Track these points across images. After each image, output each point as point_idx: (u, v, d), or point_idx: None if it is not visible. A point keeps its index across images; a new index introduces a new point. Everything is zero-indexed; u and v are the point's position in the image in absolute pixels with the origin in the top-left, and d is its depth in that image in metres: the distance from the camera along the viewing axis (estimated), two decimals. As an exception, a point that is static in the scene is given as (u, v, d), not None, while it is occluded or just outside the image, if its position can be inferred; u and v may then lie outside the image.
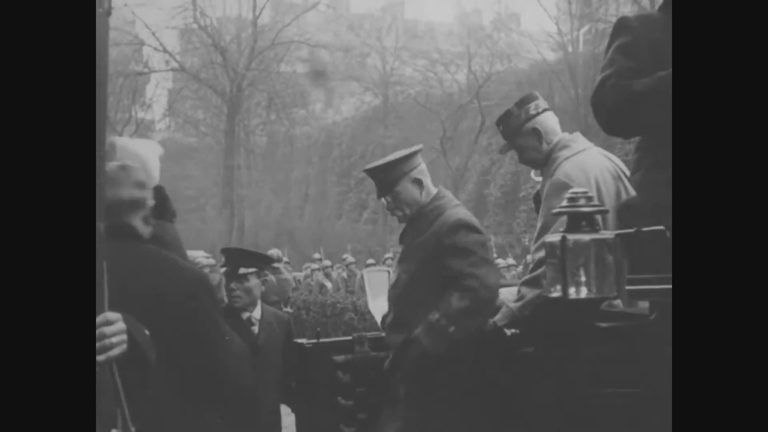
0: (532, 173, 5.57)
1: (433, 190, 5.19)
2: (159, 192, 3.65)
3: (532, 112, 5.29)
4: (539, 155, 5.22)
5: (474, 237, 4.97)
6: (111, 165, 3.69)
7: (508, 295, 5.47)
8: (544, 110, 5.31)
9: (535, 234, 4.98)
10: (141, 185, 3.61)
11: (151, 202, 3.58)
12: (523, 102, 5.37)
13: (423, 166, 5.21)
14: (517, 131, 5.28)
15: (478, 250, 4.92)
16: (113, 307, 2.68)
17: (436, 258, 4.91)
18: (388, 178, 5.11)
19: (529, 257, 5.17)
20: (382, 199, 5.24)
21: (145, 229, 3.55)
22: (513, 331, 4.38)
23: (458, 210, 5.13)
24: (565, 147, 5.18)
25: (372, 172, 5.21)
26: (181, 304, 3.36)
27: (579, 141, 5.29)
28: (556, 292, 3.21)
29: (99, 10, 2.48)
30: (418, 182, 5.11)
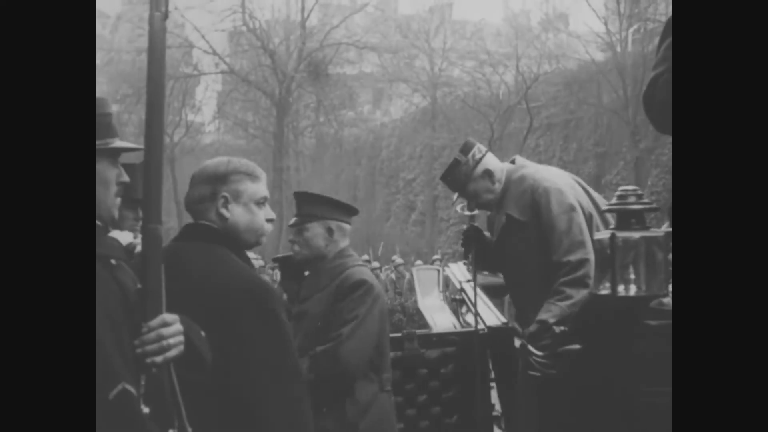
0: (459, 208, 5.62)
1: (341, 247, 4.95)
2: None
3: (478, 155, 5.40)
4: (493, 195, 5.36)
5: (365, 298, 4.74)
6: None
7: None
8: (486, 152, 5.41)
9: (556, 238, 5.04)
10: (211, 179, 3.67)
11: (223, 194, 3.63)
12: (466, 149, 5.46)
13: (347, 227, 4.99)
14: (468, 177, 5.36)
15: (361, 314, 4.69)
16: (175, 309, 2.69)
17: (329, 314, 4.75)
18: (309, 211, 4.92)
19: (555, 257, 5.08)
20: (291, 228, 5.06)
21: (220, 223, 3.61)
22: (561, 328, 4.37)
23: (362, 269, 4.94)
24: (522, 167, 5.42)
25: (300, 197, 5.04)
26: (228, 314, 3.33)
27: (527, 161, 5.54)
28: (604, 290, 3.21)
29: (156, 13, 2.50)
30: (330, 232, 4.88)
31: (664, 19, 36.95)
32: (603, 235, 3.22)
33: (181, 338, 2.66)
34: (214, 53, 43.70)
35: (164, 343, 2.58)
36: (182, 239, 3.64)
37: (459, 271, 7.09)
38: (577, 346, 4.13)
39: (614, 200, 3.26)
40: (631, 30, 40.13)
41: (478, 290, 6.61)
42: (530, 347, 4.84)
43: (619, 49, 39.50)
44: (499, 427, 6.39)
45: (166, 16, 2.53)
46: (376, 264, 23.65)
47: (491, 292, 6.54)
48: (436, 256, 27.11)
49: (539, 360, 4.67)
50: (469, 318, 6.49)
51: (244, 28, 43.84)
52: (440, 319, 6.77)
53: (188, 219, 3.83)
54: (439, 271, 7.52)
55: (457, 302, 6.91)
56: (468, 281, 6.72)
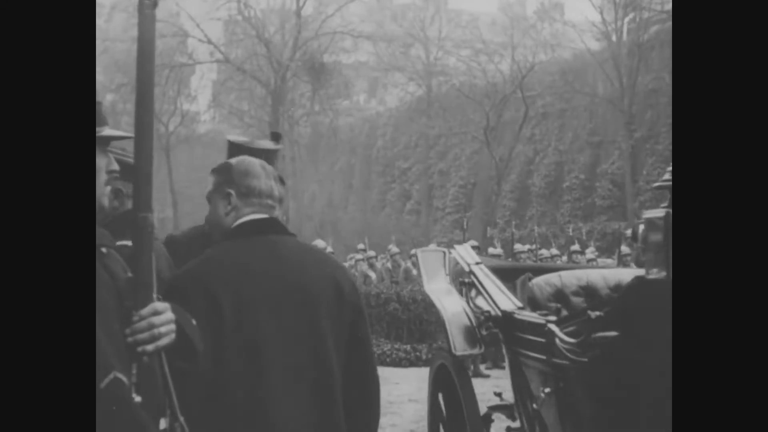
0: None
1: None
2: None
3: None
4: None
5: None
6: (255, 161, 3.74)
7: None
8: None
9: None
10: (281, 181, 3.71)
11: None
12: None
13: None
14: None
15: None
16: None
17: None
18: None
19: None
20: None
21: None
22: (597, 313, 4.14)
23: None
24: None
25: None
26: (352, 297, 3.58)
27: None
28: (655, 274, 3.03)
29: (145, 2, 2.49)
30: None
31: (659, 8, 36.98)
32: (655, 213, 3.03)
33: (172, 327, 2.65)
34: (209, 42, 43.65)
35: (155, 331, 2.57)
36: (281, 233, 3.63)
37: (466, 253, 6.84)
38: (613, 333, 3.97)
39: (667, 176, 3.01)
40: (626, 19, 40.16)
41: (490, 273, 6.38)
42: (559, 333, 4.64)
43: (614, 38, 39.55)
44: (511, 417, 6.23)
45: (155, 4, 2.51)
46: (371, 253, 23.61)
47: (502, 275, 6.34)
48: (432, 246, 27.07)
49: (569, 347, 4.49)
50: (480, 302, 6.22)
51: (239, 17, 43.83)
52: (449, 303, 6.50)
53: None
54: (444, 253, 7.25)
55: (466, 285, 6.62)
56: (477, 263, 6.52)
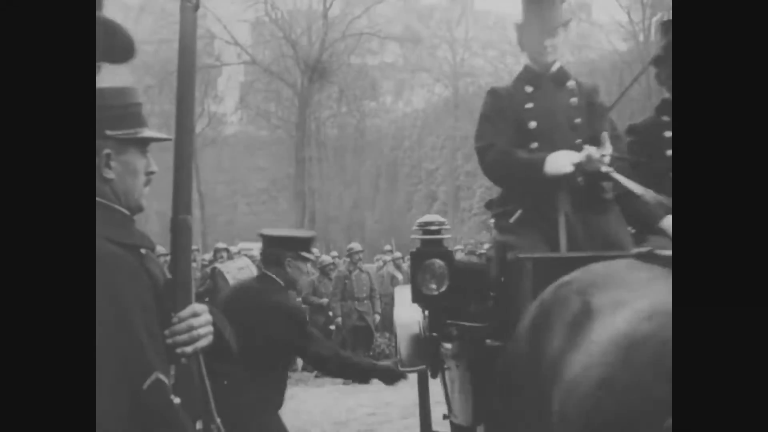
0: None
1: None
2: None
3: None
4: None
5: None
6: None
7: None
8: None
9: None
10: None
11: None
12: None
13: None
14: None
15: None
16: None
17: None
18: None
19: None
20: None
21: None
22: None
23: None
24: None
25: None
26: None
27: None
28: None
29: (187, 4, 2.49)
30: None
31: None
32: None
33: (210, 329, 2.66)
34: (236, 44, 43.78)
35: (194, 333, 2.59)
36: None
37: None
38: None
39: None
40: (654, 19, 39.96)
41: None
42: None
43: (641, 38, 39.35)
44: None
45: (197, 6, 2.52)
46: (398, 254, 23.55)
47: None
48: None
49: None
50: None
51: (266, 19, 43.91)
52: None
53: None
54: None
55: None
56: None
